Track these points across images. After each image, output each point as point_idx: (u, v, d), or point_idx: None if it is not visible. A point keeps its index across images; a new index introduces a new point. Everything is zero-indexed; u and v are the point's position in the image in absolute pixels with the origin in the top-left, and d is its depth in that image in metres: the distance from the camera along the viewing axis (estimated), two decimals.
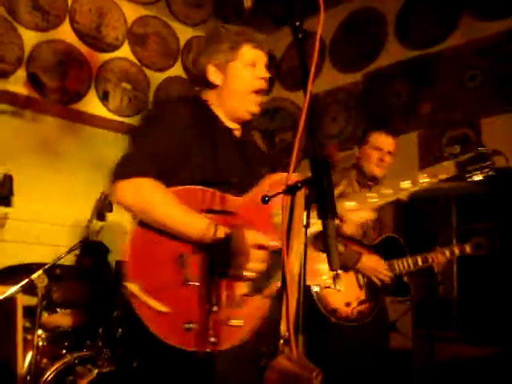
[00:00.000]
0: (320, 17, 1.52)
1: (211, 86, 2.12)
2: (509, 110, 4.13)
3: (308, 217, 1.40)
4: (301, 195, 1.42)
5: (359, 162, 3.31)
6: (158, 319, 1.69)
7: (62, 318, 3.40)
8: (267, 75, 2.10)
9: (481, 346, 3.50)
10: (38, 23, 4.62)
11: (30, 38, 4.60)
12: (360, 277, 3.18)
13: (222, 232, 1.76)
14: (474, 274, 3.73)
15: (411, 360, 3.77)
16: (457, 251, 3.34)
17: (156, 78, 5.38)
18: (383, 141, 3.27)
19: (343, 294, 3.10)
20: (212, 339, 1.67)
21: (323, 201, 1.38)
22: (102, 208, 4.15)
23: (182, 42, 5.58)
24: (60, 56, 4.71)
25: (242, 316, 1.77)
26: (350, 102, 5.01)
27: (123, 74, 5.11)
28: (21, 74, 4.52)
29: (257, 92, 2.08)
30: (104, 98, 4.94)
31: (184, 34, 5.59)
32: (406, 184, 1.92)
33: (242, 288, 1.80)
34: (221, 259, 1.73)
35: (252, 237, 1.77)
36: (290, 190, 1.43)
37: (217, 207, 1.82)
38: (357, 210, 1.92)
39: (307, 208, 1.42)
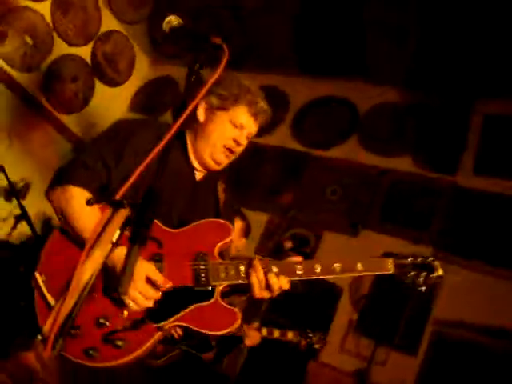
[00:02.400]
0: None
1: (194, 119, 2.12)
2: (350, 232, 4.51)
3: (120, 236, 1.44)
4: (123, 214, 1.46)
5: None
6: (47, 315, 1.64)
7: None
8: (243, 144, 2.10)
9: None
10: None
11: None
12: None
13: (121, 251, 1.67)
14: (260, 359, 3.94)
15: None
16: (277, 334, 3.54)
17: (61, 48, 5.21)
18: None
19: None
20: (91, 352, 1.67)
21: (139, 227, 1.43)
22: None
23: (102, 30, 5.49)
24: None
25: (125, 339, 1.73)
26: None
27: (31, 27, 4.89)
28: None
29: (227, 148, 2.07)
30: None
31: (108, 23, 5.52)
32: (337, 266, 1.90)
33: (134, 311, 1.76)
34: (109, 278, 1.75)
35: (146, 268, 1.75)
36: (115, 204, 1.46)
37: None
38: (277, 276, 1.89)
39: (122, 228, 1.46)
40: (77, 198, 1.86)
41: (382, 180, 4.59)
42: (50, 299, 1.70)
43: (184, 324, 1.81)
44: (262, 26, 5.05)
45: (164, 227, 1.92)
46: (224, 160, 2.10)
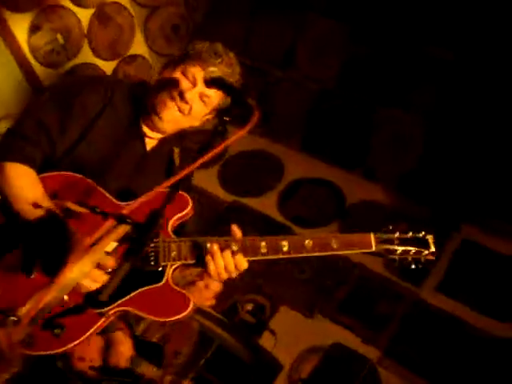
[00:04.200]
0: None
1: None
2: (306, 313, 4.55)
3: (116, 249, 1.49)
4: (124, 229, 1.51)
5: None
6: None
7: None
8: (189, 100, 1.90)
9: None
10: None
11: None
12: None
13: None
14: None
15: None
16: None
17: (87, 56, 5.32)
18: None
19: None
20: (26, 339, 1.53)
21: (135, 247, 1.48)
22: None
23: (129, 52, 5.62)
24: None
25: (65, 325, 1.60)
26: None
27: (66, 28, 5.01)
28: None
29: (172, 98, 1.91)
30: (33, 29, 4.79)
31: (138, 47, 5.66)
32: (308, 243, 1.73)
33: (75, 295, 1.63)
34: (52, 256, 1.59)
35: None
36: (119, 219, 1.51)
37: (92, 203, 1.67)
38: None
39: (120, 242, 1.51)
40: (16, 175, 1.73)
41: (351, 273, 4.67)
42: None
43: (129, 309, 1.69)
44: (281, 96, 5.24)
45: (113, 200, 1.79)
46: (167, 114, 1.91)
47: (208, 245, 1.71)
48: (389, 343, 4.28)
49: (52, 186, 1.73)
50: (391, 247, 1.77)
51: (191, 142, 2.33)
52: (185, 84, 1.90)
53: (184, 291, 1.73)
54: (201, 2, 5.75)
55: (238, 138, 1.62)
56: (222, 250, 1.70)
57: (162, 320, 1.71)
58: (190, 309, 1.72)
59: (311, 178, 5.36)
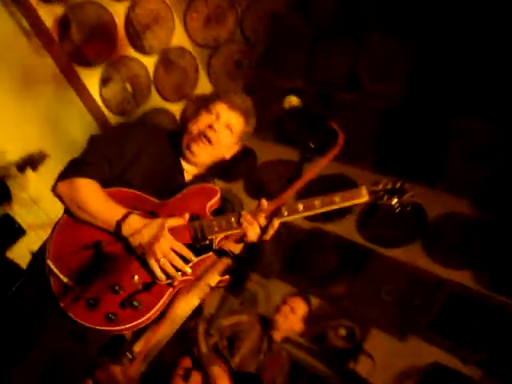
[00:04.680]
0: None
1: None
2: (398, 336, 4.43)
3: (218, 282, 1.52)
4: (224, 262, 1.55)
5: None
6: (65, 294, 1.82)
7: None
8: (218, 130, 2.23)
9: None
10: None
11: None
12: None
13: (135, 217, 1.92)
14: None
15: None
16: None
17: (156, 101, 5.52)
18: None
19: None
20: (111, 316, 1.79)
21: (238, 279, 1.51)
22: (29, 162, 4.17)
23: (195, 91, 5.79)
24: (100, 22, 4.83)
25: (140, 301, 1.84)
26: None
27: (134, 76, 5.23)
28: (59, 9, 4.60)
29: (202, 135, 2.22)
30: (104, 82, 5.02)
31: (203, 86, 5.82)
32: (317, 203, 2.09)
33: (144, 275, 1.89)
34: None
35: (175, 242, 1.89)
36: (220, 253, 1.55)
37: (146, 209, 2.01)
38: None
39: (222, 275, 1.54)
40: (85, 185, 1.99)
41: (440, 290, 4.53)
42: (67, 281, 1.84)
43: (190, 277, 1.89)
44: (349, 118, 5.22)
45: (153, 199, 2.09)
46: (198, 149, 2.24)
47: (243, 215, 1.99)
48: (489, 361, 4.10)
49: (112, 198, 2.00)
50: (379, 196, 2.17)
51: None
52: (210, 119, 2.23)
53: None
54: (260, 37, 5.87)
55: (327, 161, 1.66)
56: (254, 216, 1.98)
57: None
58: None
59: None
